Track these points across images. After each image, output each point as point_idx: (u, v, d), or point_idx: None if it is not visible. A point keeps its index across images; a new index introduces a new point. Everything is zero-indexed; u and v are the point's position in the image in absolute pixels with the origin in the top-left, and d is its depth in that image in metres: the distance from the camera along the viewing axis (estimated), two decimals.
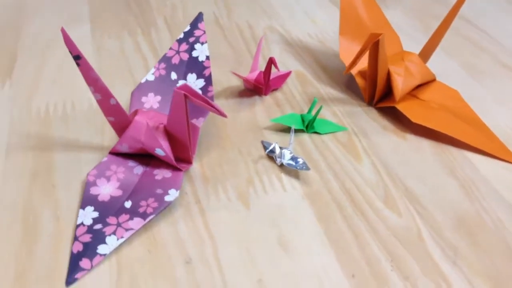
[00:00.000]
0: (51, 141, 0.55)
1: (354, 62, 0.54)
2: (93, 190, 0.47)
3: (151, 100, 0.54)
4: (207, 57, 0.56)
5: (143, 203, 0.47)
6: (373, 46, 0.54)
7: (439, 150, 0.55)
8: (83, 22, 0.76)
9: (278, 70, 0.60)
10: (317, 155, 0.54)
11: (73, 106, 0.59)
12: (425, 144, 0.56)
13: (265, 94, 0.62)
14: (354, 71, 0.62)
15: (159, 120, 0.49)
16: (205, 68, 0.55)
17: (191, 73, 0.56)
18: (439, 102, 0.59)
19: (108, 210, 0.46)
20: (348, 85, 0.64)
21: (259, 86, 0.61)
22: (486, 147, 0.54)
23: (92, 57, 0.68)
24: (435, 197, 0.50)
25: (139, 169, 0.50)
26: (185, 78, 0.55)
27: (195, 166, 0.52)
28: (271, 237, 0.45)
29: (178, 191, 0.47)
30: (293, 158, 0.51)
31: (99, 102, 0.48)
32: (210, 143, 0.55)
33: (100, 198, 0.47)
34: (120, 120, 0.49)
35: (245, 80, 0.61)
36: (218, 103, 0.61)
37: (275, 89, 0.63)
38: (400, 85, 0.58)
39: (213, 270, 0.43)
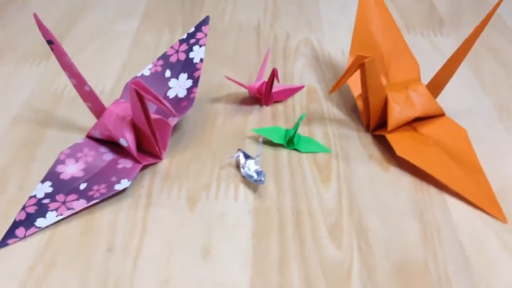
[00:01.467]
0: (52, 118, 0.60)
1: (338, 83, 0.52)
2: (59, 168, 0.51)
3: None
4: (201, 60, 0.57)
5: (95, 187, 0.49)
6: (361, 70, 0.51)
7: (418, 189, 0.51)
8: (134, 17, 0.81)
9: (278, 81, 0.59)
10: (286, 172, 0.53)
11: None
12: (406, 180, 0.52)
13: (266, 105, 0.62)
14: (355, 93, 0.59)
15: (129, 112, 0.52)
16: (196, 70, 0.57)
17: (184, 73, 0.57)
18: (438, 138, 0.54)
19: (62, 188, 0.49)
20: (356, 108, 0.62)
21: (259, 96, 0.61)
22: (473, 196, 0.49)
23: (125, 50, 0.72)
24: (387, 237, 0.46)
25: (108, 156, 0.53)
26: (177, 77, 0.57)
27: (164, 162, 0.54)
28: (198, 242, 0.46)
29: (130, 182, 0.49)
30: (257, 171, 0.50)
31: (75, 87, 0.51)
32: (189, 143, 0.56)
33: (61, 176, 0.50)
34: (96, 107, 0.53)
35: (248, 89, 0.61)
36: (218, 106, 0.62)
37: (279, 101, 0.63)
38: (396, 114, 0.54)
39: (128, 262, 0.44)
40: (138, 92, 0.45)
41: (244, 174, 0.51)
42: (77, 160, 0.52)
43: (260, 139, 0.52)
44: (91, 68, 0.68)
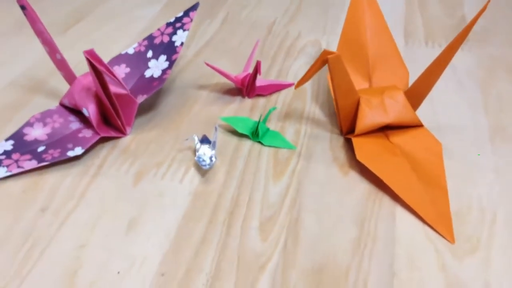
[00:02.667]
0: (43, 86, 0.63)
1: (303, 78, 0.51)
2: (26, 130, 0.53)
3: (121, 70, 0.58)
4: (182, 44, 0.58)
5: (50, 151, 0.51)
6: (328, 67, 0.49)
7: (370, 197, 0.48)
8: (156, 5, 0.83)
9: (260, 74, 0.59)
10: (242, 162, 0.52)
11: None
12: (362, 187, 0.49)
13: (248, 97, 0.62)
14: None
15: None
16: (175, 53, 0.58)
17: (164, 54, 0.58)
18: (407, 149, 0.51)
19: (21, 148, 0.51)
20: None
21: (241, 88, 0.61)
22: (424, 211, 0.46)
23: (138, 32, 0.75)
24: (318, 238, 0.44)
25: (75, 125, 0.55)
26: (157, 58, 0.58)
27: (128, 138, 0.55)
28: (127, 216, 0.46)
29: (82, 150, 0.50)
30: (211, 156, 0.50)
31: (48, 54, 0.53)
32: (159, 123, 0.57)
33: (25, 138, 0.53)
34: (68, 76, 0.55)
35: (226, 77, 0.61)
36: (201, 93, 0.62)
37: (263, 95, 0.62)
38: (365, 117, 0.52)
39: (54, 223, 0.45)
40: (91, 61, 0.46)
41: (195, 158, 0.50)
42: (45, 124, 0.54)
43: (216, 125, 0.51)
44: (102, 45, 0.71)
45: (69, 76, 0.54)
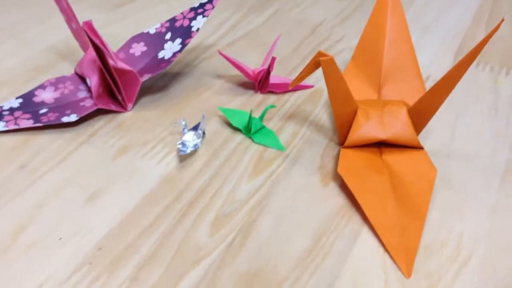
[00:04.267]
0: (75, 55, 0.66)
1: (298, 77, 0.49)
2: (38, 92, 0.57)
3: (138, 48, 0.60)
4: (198, 29, 0.58)
5: (50, 114, 0.54)
6: (323, 70, 0.47)
7: (340, 212, 0.46)
8: None
9: (272, 70, 0.57)
10: (224, 155, 0.51)
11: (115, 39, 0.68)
12: (336, 200, 0.47)
13: (261, 92, 0.60)
14: None
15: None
16: (189, 37, 0.58)
17: (180, 37, 0.59)
18: (396, 170, 0.48)
19: (26, 107, 0.54)
20: None
21: (254, 82, 0.60)
22: (388, 239, 0.42)
23: (172, 9, 0.75)
24: (267, 243, 0.42)
25: (83, 94, 0.57)
26: (173, 40, 0.59)
27: (127, 114, 0.56)
28: (93, 186, 0.47)
29: (76, 118, 0.52)
30: (195, 143, 0.50)
31: (66, 22, 0.56)
32: (163, 104, 0.58)
33: (34, 98, 0.56)
34: (83, 45, 0.57)
35: (240, 69, 0.60)
36: (216, 82, 0.62)
37: (274, 92, 0.61)
38: (359, 129, 0.49)
39: (27, 180, 0.47)
40: (87, 32, 0.48)
41: (178, 144, 0.50)
42: (56, 89, 0.57)
43: (204, 113, 0.51)
44: (145, 25, 0.73)
45: (85, 46, 0.56)
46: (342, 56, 0.68)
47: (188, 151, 0.48)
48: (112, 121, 0.55)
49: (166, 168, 0.49)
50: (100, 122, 0.54)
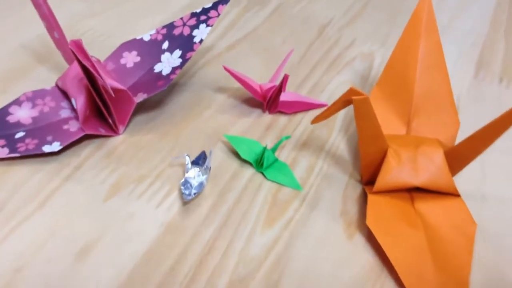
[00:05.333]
0: (51, 57, 0.57)
1: (322, 115, 0.42)
2: (12, 109, 0.48)
3: (130, 58, 0.51)
4: (201, 41, 0.50)
5: (28, 140, 0.46)
6: (355, 109, 0.40)
7: (371, 275, 0.40)
8: None
9: (284, 90, 0.50)
10: (233, 197, 0.44)
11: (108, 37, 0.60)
12: (364, 259, 0.41)
13: (269, 112, 0.53)
14: None
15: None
16: (191, 50, 0.50)
17: (179, 49, 0.51)
18: (431, 223, 0.42)
19: (0, 129, 0.46)
20: None
21: (259, 100, 0.53)
22: None
23: (181, 9, 0.68)
24: None
25: (65, 113, 0.49)
26: (171, 52, 0.51)
27: (119, 138, 0.49)
28: (84, 237, 0.40)
29: (60, 147, 0.45)
30: (200, 183, 0.43)
31: (47, 30, 0.47)
32: (159, 126, 0.51)
33: (8, 118, 0.47)
34: (66, 56, 0.48)
35: (247, 86, 0.53)
36: (217, 97, 0.55)
37: (285, 112, 0.53)
38: (389, 173, 0.43)
39: (3, 229, 0.40)
40: (75, 53, 0.40)
41: (181, 182, 0.43)
42: (34, 106, 0.48)
43: (211, 149, 0.44)
44: (130, 18, 0.64)
45: (69, 58, 0.48)
46: (354, 66, 0.61)
47: (193, 195, 0.41)
48: (101, 147, 0.47)
49: (167, 213, 0.42)
50: (87, 149, 0.47)
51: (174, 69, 0.49)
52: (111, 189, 0.43)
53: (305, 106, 0.53)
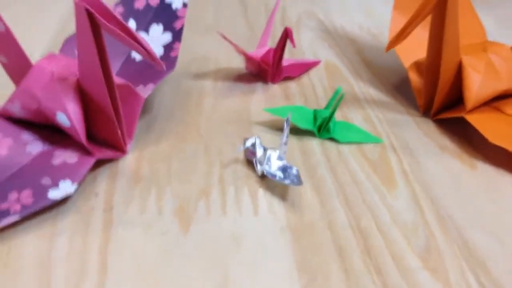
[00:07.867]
0: None
1: (400, 36, 0.34)
2: None
3: None
4: (185, 5, 0.37)
5: (12, 195, 0.28)
6: (437, 12, 0.33)
7: None
8: None
9: (294, 46, 0.40)
10: (325, 171, 0.33)
11: None
12: (508, 180, 0.33)
13: (273, 82, 0.43)
14: (407, 62, 0.41)
15: (75, 72, 0.30)
16: (177, 18, 0.37)
17: (157, 23, 0.37)
18: None
19: None
20: (398, 87, 0.44)
21: (264, 68, 0.41)
22: None
23: None
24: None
25: (35, 147, 0.31)
26: (146, 30, 0.37)
27: (129, 158, 0.33)
28: (210, 283, 0.24)
29: (75, 186, 0.27)
30: (283, 167, 0.30)
31: None
32: (167, 131, 0.36)
33: None
34: (15, 63, 0.31)
35: (247, 59, 0.42)
36: (203, 84, 0.43)
37: (288, 78, 0.43)
38: (476, 85, 0.36)
39: None
40: (92, 15, 0.24)
41: (267, 173, 0.30)
42: None
43: (288, 118, 0.32)
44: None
45: (19, 63, 0.31)
46: (304, 22, 0.55)
47: (299, 178, 0.30)
48: (115, 176, 0.32)
49: (274, 215, 0.30)
50: (100, 183, 0.32)
51: (170, 45, 0.36)
52: (178, 218, 0.29)
53: (304, 67, 0.45)
